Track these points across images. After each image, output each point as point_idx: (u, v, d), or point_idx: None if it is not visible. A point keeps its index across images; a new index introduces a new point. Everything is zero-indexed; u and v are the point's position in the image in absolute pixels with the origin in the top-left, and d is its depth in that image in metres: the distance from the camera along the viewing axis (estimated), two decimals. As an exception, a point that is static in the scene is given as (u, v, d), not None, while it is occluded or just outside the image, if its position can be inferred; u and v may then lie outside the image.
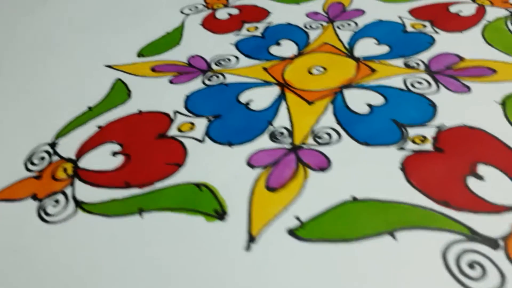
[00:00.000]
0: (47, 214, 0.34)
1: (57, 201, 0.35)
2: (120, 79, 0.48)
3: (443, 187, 0.32)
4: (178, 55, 0.52)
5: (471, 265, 0.27)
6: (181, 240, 0.30)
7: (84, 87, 0.48)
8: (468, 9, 0.54)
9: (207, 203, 0.33)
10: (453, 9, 0.54)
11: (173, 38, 0.55)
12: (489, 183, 0.32)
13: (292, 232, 0.30)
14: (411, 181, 0.33)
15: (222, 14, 0.60)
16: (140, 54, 0.53)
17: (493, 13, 0.53)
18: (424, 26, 0.51)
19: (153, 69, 0.50)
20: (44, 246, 0.31)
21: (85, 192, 0.35)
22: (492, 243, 0.28)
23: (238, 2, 0.62)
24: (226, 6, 0.62)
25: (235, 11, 0.60)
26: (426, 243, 0.28)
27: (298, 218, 0.31)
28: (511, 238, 0.28)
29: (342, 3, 0.58)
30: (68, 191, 0.35)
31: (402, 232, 0.29)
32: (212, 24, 0.57)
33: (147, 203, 0.33)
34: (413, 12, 0.54)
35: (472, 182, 0.32)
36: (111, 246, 0.31)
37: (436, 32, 0.50)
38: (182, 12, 0.62)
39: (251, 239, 0.30)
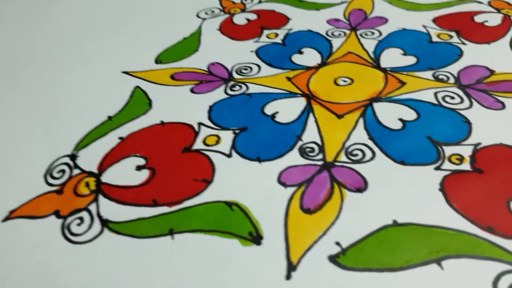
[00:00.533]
0: (72, 233, 0.32)
1: (81, 219, 0.33)
2: (139, 87, 0.46)
3: (487, 211, 0.31)
4: (197, 62, 0.50)
5: (524, 298, 0.26)
6: (216, 266, 0.29)
7: (102, 95, 0.47)
8: (493, 19, 0.53)
9: (240, 225, 0.31)
10: (478, 19, 0.53)
11: (191, 44, 0.54)
12: (534, 208, 0.31)
13: (333, 259, 0.29)
14: (453, 204, 0.31)
15: (240, 19, 0.58)
16: (158, 61, 0.51)
17: (519, 24, 0.52)
18: (450, 36, 0.50)
19: (172, 77, 0.48)
20: (71, 268, 0.30)
21: (111, 209, 0.34)
22: (543, 274, 0.27)
23: (255, 6, 0.60)
24: (243, 10, 0.60)
25: (253, 16, 0.58)
26: (475, 273, 0.27)
27: (338, 244, 0.29)
28: None
29: (363, 10, 0.57)
30: (92, 207, 0.34)
31: (448, 260, 0.28)
32: (230, 30, 0.56)
33: (177, 223, 0.32)
34: (438, 21, 0.53)
35: (516, 207, 0.31)
36: (142, 270, 0.29)
37: (463, 43, 0.48)
38: (198, 16, 0.60)
39: (291, 267, 0.28)
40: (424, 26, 0.52)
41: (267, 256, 0.29)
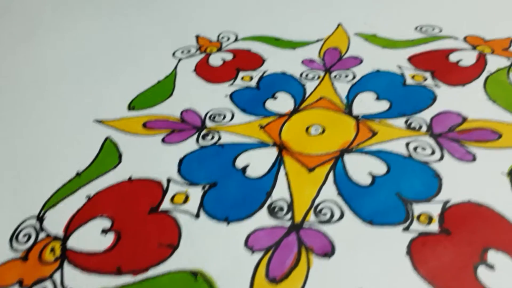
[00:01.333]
0: None
1: None
2: (110, 139, 0.46)
3: (453, 279, 0.30)
4: (170, 108, 0.50)
5: None
6: None
7: (73, 145, 0.46)
8: (468, 58, 0.53)
9: None
10: (453, 57, 0.53)
11: (165, 87, 0.54)
12: (501, 273, 0.30)
13: None
14: (419, 270, 0.31)
15: (215, 59, 0.58)
16: (132, 107, 0.50)
17: (494, 62, 0.52)
18: (425, 78, 0.50)
19: (144, 125, 0.47)
20: None
21: (75, 278, 0.33)
22: None
23: (231, 45, 0.60)
24: (219, 49, 0.60)
25: (229, 56, 0.58)
26: None
27: None
28: None
29: (339, 48, 0.57)
30: (57, 276, 0.33)
31: None
32: (205, 72, 0.56)
33: None
34: (413, 60, 0.53)
35: (482, 272, 0.30)
36: None
37: (437, 86, 0.48)
38: (174, 56, 0.60)
39: None
40: (399, 67, 0.52)
41: (229, 334, 0.29)
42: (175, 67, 0.57)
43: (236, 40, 0.62)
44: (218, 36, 0.63)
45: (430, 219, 0.34)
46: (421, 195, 0.36)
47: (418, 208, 0.35)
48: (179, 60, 0.59)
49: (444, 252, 0.32)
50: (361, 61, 0.54)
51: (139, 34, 0.65)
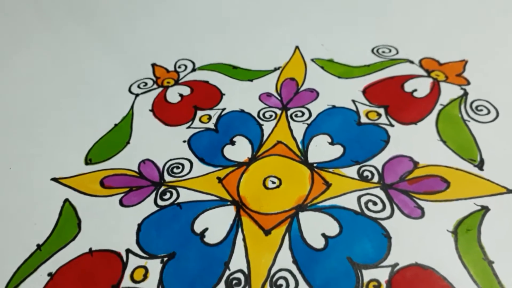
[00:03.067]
0: None
1: None
2: (68, 201, 0.46)
3: None
4: (128, 159, 0.50)
5: None
6: None
7: (31, 210, 0.46)
8: (422, 87, 0.53)
9: None
10: (408, 86, 0.54)
11: (122, 133, 0.53)
12: None
13: None
14: None
15: (173, 95, 0.57)
16: (89, 160, 0.50)
17: (447, 92, 0.52)
18: (379, 115, 0.50)
19: (102, 183, 0.47)
20: None
21: None
22: None
23: (188, 76, 0.59)
24: (176, 82, 0.59)
25: (186, 90, 0.57)
26: None
27: None
28: None
29: (295, 79, 0.56)
30: None
31: None
32: (163, 111, 0.55)
33: None
34: (368, 92, 0.53)
35: None
36: None
37: (391, 125, 0.49)
38: (130, 91, 0.59)
39: None
40: (354, 101, 0.52)
41: None
42: (132, 106, 0.56)
43: (193, 69, 0.61)
44: (175, 65, 0.62)
45: (378, 286, 0.36)
46: (371, 259, 0.38)
47: (367, 274, 0.37)
48: (136, 96, 0.58)
49: (390, 326, 0.34)
50: (317, 95, 0.54)
51: (92, 66, 0.63)
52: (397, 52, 0.59)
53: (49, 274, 0.40)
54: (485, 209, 0.40)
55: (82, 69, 0.63)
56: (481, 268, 0.37)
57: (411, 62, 0.57)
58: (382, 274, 0.37)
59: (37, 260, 0.42)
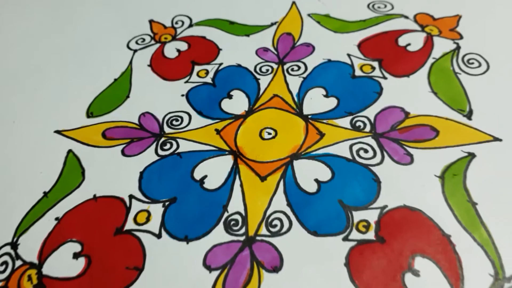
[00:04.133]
0: None
1: None
2: (72, 152, 0.48)
3: (384, 286, 0.35)
4: (129, 112, 0.52)
5: None
6: None
7: (36, 161, 0.48)
8: (416, 41, 0.54)
9: None
10: (401, 41, 0.55)
11: (122, 87, 0.54)
12: (424, 279, 0.35)
13: None
14: (355, 280, 0.36)
15: (170, 50, 0.58)
16: (90, 113, 0.52)
17: (440, 46, 0.53)
18: (373, 68, 0.52)
19: (104, 135, 0.49)
20: None
21: (52, 306, 0.37)
22: None
23: (186, 32, 0.60)
24: (174, 37, 0.60)
25: (183, 46, 0.58)
26: None
27: None
28: None
29: (292, 34, 0.57)
30: (35, 305, 0.37)
31: None
32: (161, 66, 0.56)
33: None
34: (362, 46, 0.54)
35: (409, 279, 0.35)
36: None
37: (384, 77, 0.50)
38: (128, 47, 0.60)
39: None
40: (349, 55, 0.53)
41: None
42: (130, 62, 0.57)
43: (190, 25, 0.62)
44: (172, 20, 0.63)
45: (367, 227, 0.38)
46: (361, 202, 0.40)
47: (357, 216, 0.39)
48: (134, 51, 0.59)
49: (377, 262, 0.36)
50: (313, 49, 0.55)
51: (90, 22, 0.64)
52: (392, 8, 0.59)
53: (56, 219, 0.43)
54: (471, 156, 0.42)
55: (81, 26, 0.64)
56: (465, 209, 0.39)
57: (406, 17, 0.58)
58: (371, 215, 0.39)
59: (44, 206, 0.44)
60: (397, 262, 0.36)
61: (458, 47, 0.53)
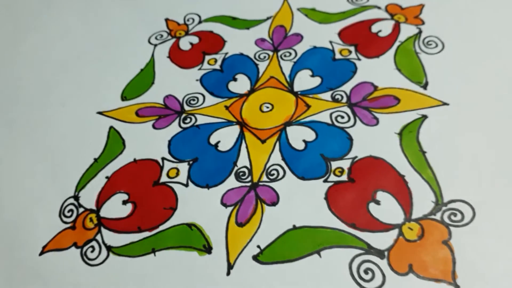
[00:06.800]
0: (89, 259, 0.49)
1: (93, 247, 0.50)
2: (113, 127, 0.61)
3: (353, 212, 0.48)
4: (155, 95, 0.65)
5: (365, 271, 0.44)
6: (183, 272, 0.47)
7: (85, 136, 0.61)
8: (386, 28, 0.67)
9: (197, 240, 0.49)
10: (374, 28, 0.67)
11: (147, 75, 0.67)
12: (383, 206, 0.48)
13: (255, 258, 0.47)
14: (332, 209, 0.49)
15: (184, 43, 0.71)
16: (124, 97, 0.65)
17: (406, 31, 0.66)
18: (350, 52, 0.64)
19: (137, 114, 0.62)
20: (92, 285, 0.48)
21: (111, 237, 0.51)
22: (380, 254, 0.45)
23: (196, 27, 0.73)
24: (186, 33, 0.73)
25: (195, 40, 0.71)
26: (339, 258, 0.45)
27: (259, 247, 0.47)
28: (392, 249, 0.45)
29: (284, 26, 0.70)
30: (98, 237, 0.51)
31: (325, 250, 0.46)
32: (177, 57, 0.69)
33: (156, 244, 0.49)
34: (342, 34, 0.67)
35: (372, 207, 0.48)
36: (138, 282, 0.47)
37: (359, 59, 0.63)
38: (150, 42, 0.73)
39: (230, 266, 0.46)
40: (331, 42, 0.66)
41: (215, 261, 0.47)
42: (152, 54, 0.71)
43: (200, 21, 0.74)
44: (184, 18, 0.75)
45: (342, 172, 0.52)
46: (337, 154, 0.53)
47: (334, 164, 0.52)
48: (155, 46, 0.72)
49: (349, 195, 0.49)
50: (301, 38, 0.67)
51: (115, 23, 0.77)
52: (368, 0, 0.71)
53: (106, 177, 0.56)
54: (424, 117, 0.55)
55: (108, 26, 0.76)
56: (417, 156, 0.52)
57: (378, 7, 0.70)
58: (345, 164, 0.52)
59: (95, 169, 0.57)
60: (363, 196, 0.49)
61: (420, 32, 0.65)
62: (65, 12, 0.80)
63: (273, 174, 0.52)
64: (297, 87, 0.61)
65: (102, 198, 0.54)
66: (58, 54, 0.73)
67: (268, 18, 0.71)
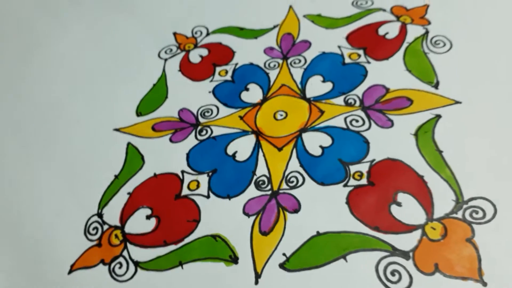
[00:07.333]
0: (117, 275, 0.50)
1: (120, 263, 0.51)
2: (130, 143, 0.62)
3: (375, 215, 0.49)
4: (169, 110, 0.65)
5: (392, 273, 0.45)
6: (211, 284, 0.47)
7: (103, 153, 0.62)
8: (393, 30, 0.68)
9: (223, 251, 0.49)
10: (381, 30, 0.68)
11: (160, 90, 0.68)
12: (405, 207, 0.49)
13: (282, 266, 0.47)
14: (354, 213, 0.50)
15: (194, 56, 0.72)
16: (139, 113, 0.66)
17: (413, 32, 0.67)
18: (359, 55, 0.65)
19: (153, 128, 0.63)
20: (124, 300, 0.49)
21: (137, 253, 0.52)
22: (405, 255, 0.46)
23: (205, 40, 0.74)
24: (195, 46, 0.74)
25: (204, 52, 0.72)
26: (366, 261, 0.46)
27: (284, 254, 0.48)
28: (417, 250, 0.46)
29: (291, 34, 0.71)
30: (125, 253, 0.52)
31: (350, 255, 0.47)
32: (188, 70, 0.70)
33: (183, 256, 0.50)
34: (350, 38, 0.68)
35: (394, 209, 0.49)
36: (169, 294, 0.48)
37: (368, 62, 0.64)
38: (159, 57, 0.74)
39: (257, 275, 0.47)
40: (339, 47, 0.67)
41: (242, 271, 0.48)
42: (163, 69, 0.72)
43: (208, 33, 0.75)
44: (192, 31, 0.76)
45: (361, 175, 0.52)
46: (355, 158, 0.54)
47: (353, 168, 0.53)
48: (165, 60, 0.73)
49: (370, 198, 0.50)
50: (310, 45, 0.68)
51: (125, 39, 0.78)
52: (372, 3, 0.72)
53: (128, 193, 0.57)
54: (438, 117, 0.56)
55: (117, 42, 0.77)
56: (434, 156, 0.52)
57: (384, 10, 0.71)
58: (363, 167, 0.53)
59: (117, 185, 0.58)
60: (384, 198, 0.50)
61: (427, 32, 0.66)
62: (74, 29, 0.81)
63: (293, 181, 0.53)
64: (309, 93, 0.62)
65: (126, 214, 0.55)
66: (69, 71, 0.75)
67: (275, 27, 0.72)
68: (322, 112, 0.59)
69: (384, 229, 0.47)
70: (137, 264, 0.50)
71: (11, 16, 0.86)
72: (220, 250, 0.49)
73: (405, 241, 0.46)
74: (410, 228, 0.47)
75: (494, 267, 0.43)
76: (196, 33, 0.75)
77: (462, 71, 0.59)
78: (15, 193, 0.60)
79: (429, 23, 0.67)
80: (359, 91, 0.60)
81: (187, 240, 0.51)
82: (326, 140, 0.56)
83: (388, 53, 0.64)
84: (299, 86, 0.63)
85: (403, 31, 0.66)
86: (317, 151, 0.55)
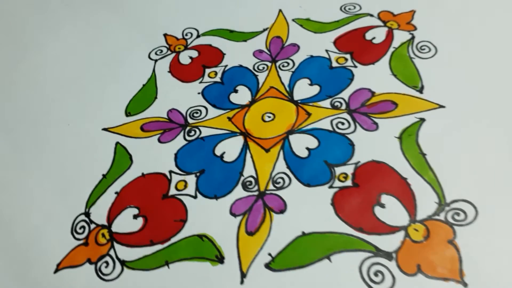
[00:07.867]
0: (104, 274, 0.50)
1: (107, 262, 0.51)
2: (119, 143, 0.62)
3: (359, 216, 0.50)
4: (158, 110, 0.66)
5: (375, 273, 0.46)
6: (197, 283, 0.48)
7: (91, 153, 0.62)
8: (379, 35, 0.69)
9: (209, 251, 0.50)
10: (368, 35, 0.69)
11: (150, 91, 0.69)
12: (388, 209, 0.50)
13: (267, 266, 0.48)
14: (339, 214, 0.50)
15: (184, 58, 0.73)
16: (128, 113, 0.66)
17: (399, 37, 0.68)
18: (346, 59, 0.66)
19: (142, 128, 0.64)
20: (110, 298, 0.49)
21: (124, 252, 0.52)
22: (389, 256, 0.47)
23: (195, 42, 0.75)
24: (186, 47, 0.74)
25: (194, 54, 0.73)
26: (349, 261, 0.47)
27: (270, 254, 0.49)
28: (400, 251, 0.47)
29: (280, 37, 0.72)
30: (112, 252, 0.52)
31: (334, 255, 0.48)
32: (178, 71, 0.71)
33: (169, 256, 0.50)
34: (337, 43, 0.69)
35: (377, 210, 0.50)
36: (155, 293, 0.48)
37: (355, 66, 0.65)
38: (150, 58, 0.74)
39: (243, 275, 0.48)
40: (327, 51, 0.68)
41: (228, 270, 0.48)
42: (153, 70, 0.72)
43: (198, 35, 0.76)
44: (183, 33, 0.77)
45: (346, 177, 0.53)
46: (340, 160, 0.55)
47: (338, 170, 0.54)
48: (155, 61, 0.73)
49: (354, 200, 0.51)
50: (298, 48, 0.69)
51: (116, 40, 0.78)
52: (360, 8, 0.73)
53: (116, 192, 0.57)
54: (422, 120, 0.57)
55: (107, 43, 0.78)
56: (417, 159, 0.53)
57: (371, 15, 0.72)
58: (348, 169, 0.54)
59: (105, 185, 0.58)
60: (368, 199, 0.51)
61: (413, 37, 0.67)
62: (65, 30, 0.81)
63: (279, 182, 0.54)
64: (297, 96, 0.63)
65: (113, 213, 0.55)
66: (59, 72, 0.75)
67: (264, 30, 0.73)
68: (309, 114, 0.60)
69: (368, 230, 0.48)
70: (123, 263, 0.50)
71: (1, 16, 0.86)
72: (206, 250, 0.50)
73: (389, 242, 0.47)
74: (393, 230, 0.48)
75: (475, 269, 0.44)
76: (186, 35, 0.76)
77: (446, 76, 0.61)
78: (2, 191, 0.60)
79: (415, 28, 0.68)
80: (346, 94, 0.61)
81: (173, 240, 0.51)
82: (313, 142, 0.57)
83: (374, 57, 0.65)
84: (287, 88, 0.64)
85: (389, 36, 0.68)
86: (303, 153, 0.56)
